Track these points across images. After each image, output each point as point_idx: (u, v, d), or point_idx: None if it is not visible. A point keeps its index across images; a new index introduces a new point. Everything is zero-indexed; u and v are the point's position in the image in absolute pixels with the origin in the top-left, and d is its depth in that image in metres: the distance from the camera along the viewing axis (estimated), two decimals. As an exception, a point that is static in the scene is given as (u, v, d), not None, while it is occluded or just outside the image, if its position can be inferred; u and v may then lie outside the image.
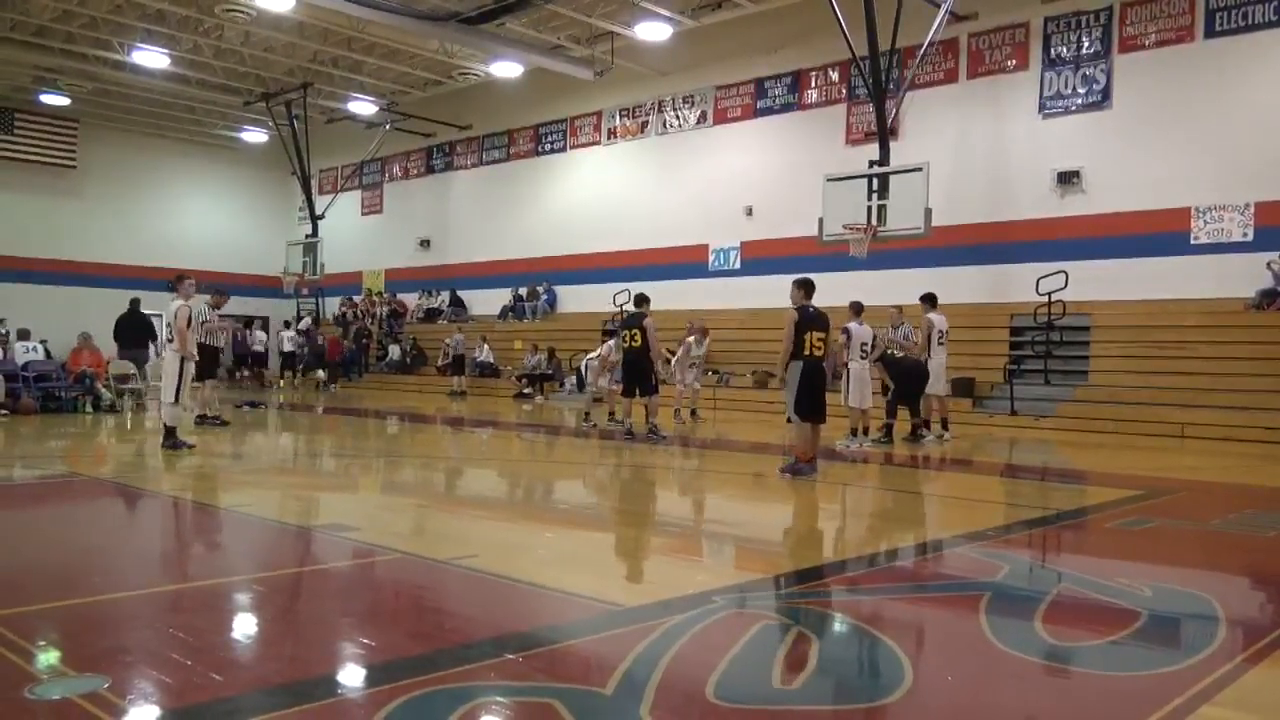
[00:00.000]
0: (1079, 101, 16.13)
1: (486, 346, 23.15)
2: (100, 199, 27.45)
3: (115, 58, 21.99)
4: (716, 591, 4.55)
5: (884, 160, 15.74)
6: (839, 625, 4.23)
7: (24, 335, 17.55)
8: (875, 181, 15.50)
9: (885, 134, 15.91)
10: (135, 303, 17.53)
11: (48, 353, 17.59)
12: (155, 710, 3.03)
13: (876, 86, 15.63)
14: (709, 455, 12.04)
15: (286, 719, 3.02)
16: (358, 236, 28.65)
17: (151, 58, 21.87)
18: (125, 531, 6.79)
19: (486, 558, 5.26)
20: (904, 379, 12.32)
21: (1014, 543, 6.31)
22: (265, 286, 29.34)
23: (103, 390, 16.38)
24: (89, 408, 15.95)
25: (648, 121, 22.02)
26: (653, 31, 19.30)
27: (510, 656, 3.50)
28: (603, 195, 22.79)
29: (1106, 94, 15.86)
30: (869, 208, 15.45)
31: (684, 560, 5.70)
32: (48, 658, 3.55)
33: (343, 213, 28.38)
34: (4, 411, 14.94)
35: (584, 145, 23.39)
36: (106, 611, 4.33)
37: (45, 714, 2.97)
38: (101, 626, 4.08)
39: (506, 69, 22.12)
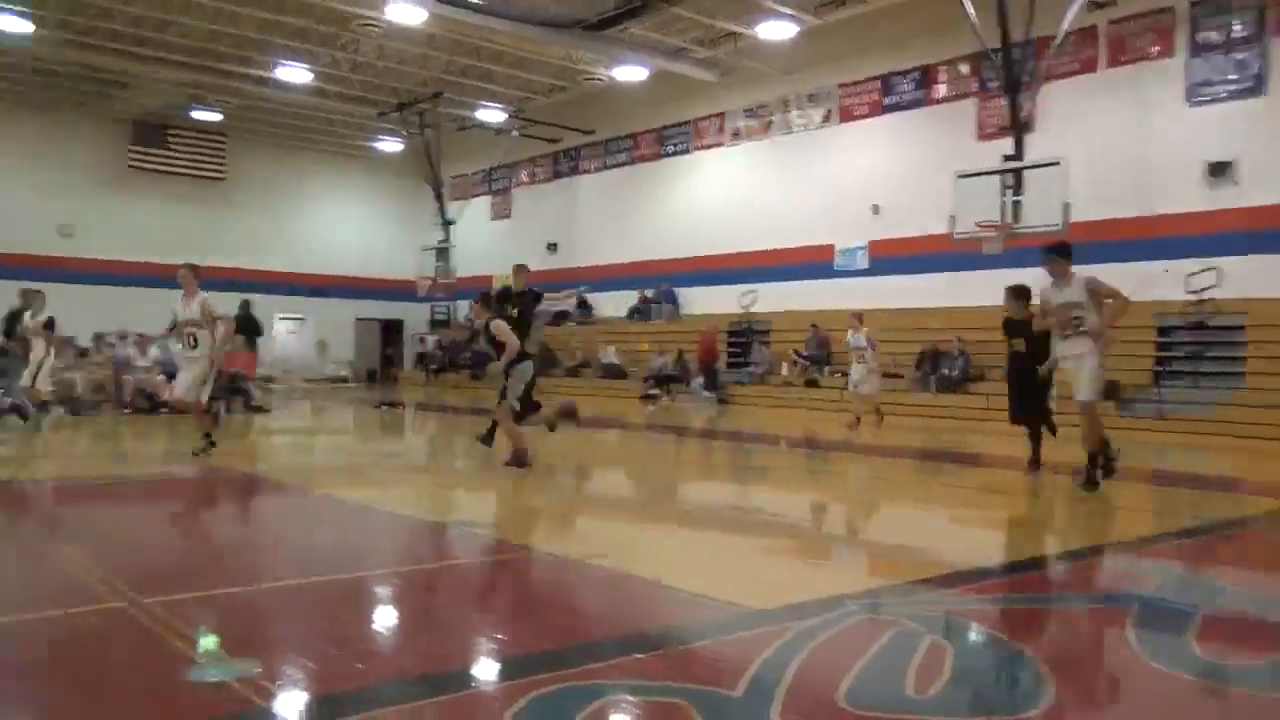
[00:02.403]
0: (1230, 89, 15.23)
1: (612, 349, 23.37)
2: (247, 208, 28.87)
3: (260, 74, 23.09)
4: (848, 596, 4.48)
5: (1018, 155, 15.21)
6: (976, 634, 4.11)
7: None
8: (1009, 177, 15.00)
9: (1019, 128, 15.38)
10: (246, 304, 18.44)
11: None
12: (303, 695, 3.17)
13: (1009, 79, 15.13)
14: (838, 459, 11.87)
15: (423, 709, 3.12)
16: (488, 241, 29.33)
17: (293, 73, 22.90)
18: (274, 525, 7.13)
19: (616, 557, 5.31)
20: None
21: (1163, 553, 6.01)
22: (400, 291, 30.37)
23: (252, 390, 17.25)
24: (240, 407, 16.79)
25: (772, 121, 21.85)
26: (776, 30, 19.14)
27: (639, 656, 3.52)
28: (727, 196, 22.73)
29: (1261, 80, 14.92)
30: (1002, 204, 14.96)
31: (815, 564, 5.64)
32: (206, 642, 3.75)
33: (474, 218, 29.11)
34: (163, 410, 15.88)
35: (708, 147, 23.38)
36: (258, 600, 4.55)
37: (204, 694, 3.14)
38: (253, 614, 4.30)
39: (630, 73, 22.29)
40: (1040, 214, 14.53)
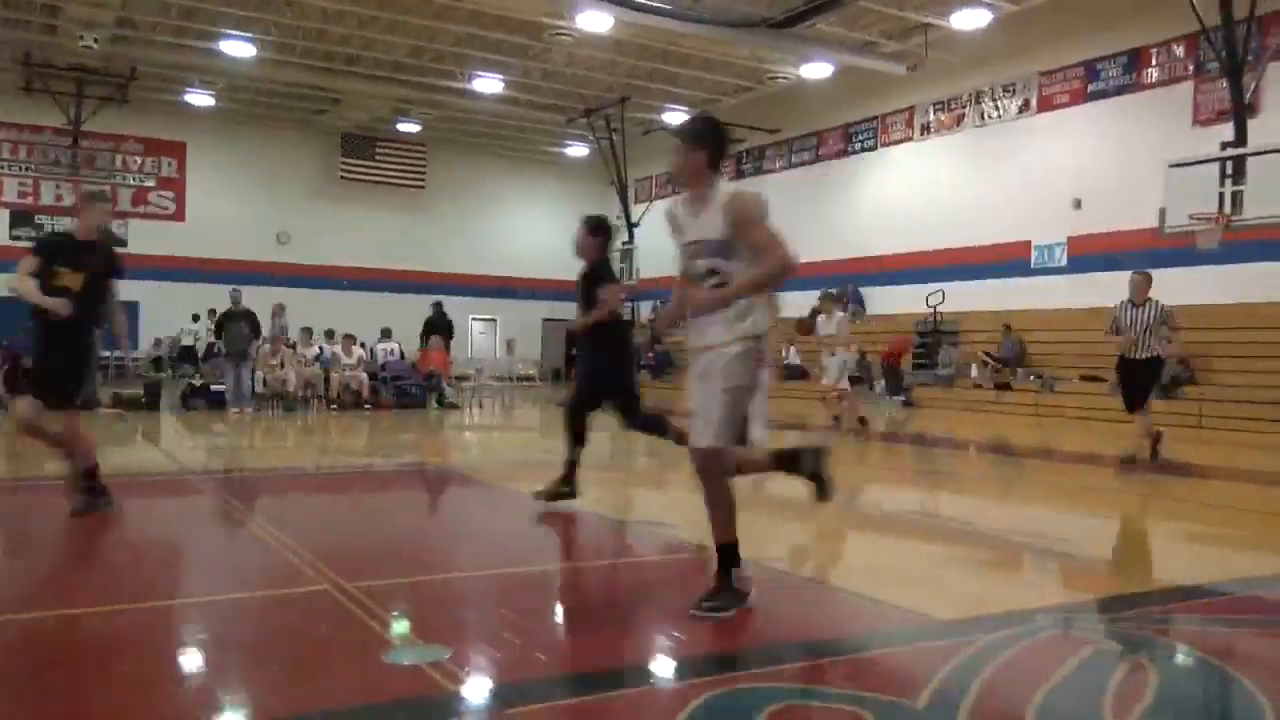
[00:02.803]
0: None
1: (794, 349, 23.14)
2: (443, 214, 30.24)
3: (458, 86, 24.16)
4: (1039, 610, 4.27)
5: (1240, 141, 14.06)
6: (1183, 657, 3.83)
7: (386, 335, 19.70)
8: (1229, 166, 13.89)
9: (1242, 112, 14.22)
10: (438, 304, 19.34)
11: (402, 354, 19.64)
12: (489, 683, 3.30)
13: (1231, 60, 14.01)
14: (1032, 465, 11.33)
15: (603, 702, 3.19)
16: (671, 242, 29.56)
17: (488, 84, 23.85)
18: (465, 518, 7.44)
19: (792, 560, 5.26)
20: None
21: None
22: (586, 292, 31.12)
23: (446, 388, 18.09)
24: (435, 404, 17.65)
25: (964, 114, 21.07)
26: (970, 19, 18.43)
27: (818, 661, 3.47)
28: (915, 193, 22.08)
29: None
30: (1221, 194, 13.87)
31: (1005, 574, 5.40)
32: (400, 627, 3.96)
33: (657, 219, 29.30)
34: (367, 406, 16.89)
35: (896, 142, 22.79)
36: (448, 589, 4.76)
37: (398, 676, 3.31)
38: (444, 602, 4.50)
39: (816, 70, 22.01)
40: (1265, 204, 13.38)
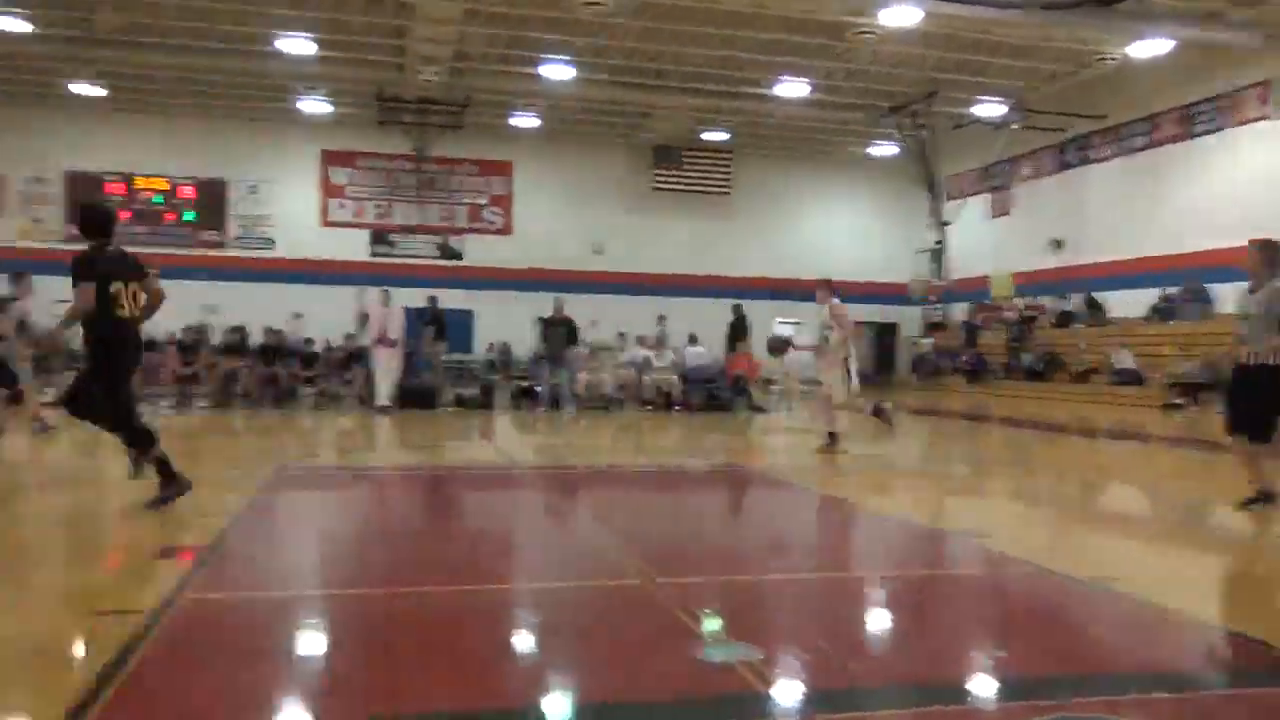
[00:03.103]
0: None
1: (1127, 352, 21.30)
2: (747, 219, 30.59)
3: (761, 92, 24.37)
4: None
5: None
6: None
7: (693, 340, 20.29)
8: None
9: None
10: (738, 308, 19.77)
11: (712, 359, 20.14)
12: (800, 687, 3.29)
13: None
14: None
15: (915, 718, 3.08)
16: (984, 240, 28.23)
17: (792, 88, 23.86)
18: (774, 518, 7.48)
19: (1131, 581, 4.83)
20: None
21: None
22: (892, 294, 30.30)
23: (754, 391, 18.31)
24: (743, 407, 17.91)
25: (1335, 83, 18.46)
26: (1344, -26, 16.13)
27: (1161, 695, 3.17)
28: (1272, 177, 19.62)
29: None
30: None
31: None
32: (713, 624, 4.04)
33: (969, 217, 28.19)
34: (677, 407, 17.46)
35: (1247, 122, 20.33)
36: (759, 590, 4.81)
37: (712, 673, 3.39)
38: (755, 603, 4.55)
39: (1149, 48, 20.09)
40: None
